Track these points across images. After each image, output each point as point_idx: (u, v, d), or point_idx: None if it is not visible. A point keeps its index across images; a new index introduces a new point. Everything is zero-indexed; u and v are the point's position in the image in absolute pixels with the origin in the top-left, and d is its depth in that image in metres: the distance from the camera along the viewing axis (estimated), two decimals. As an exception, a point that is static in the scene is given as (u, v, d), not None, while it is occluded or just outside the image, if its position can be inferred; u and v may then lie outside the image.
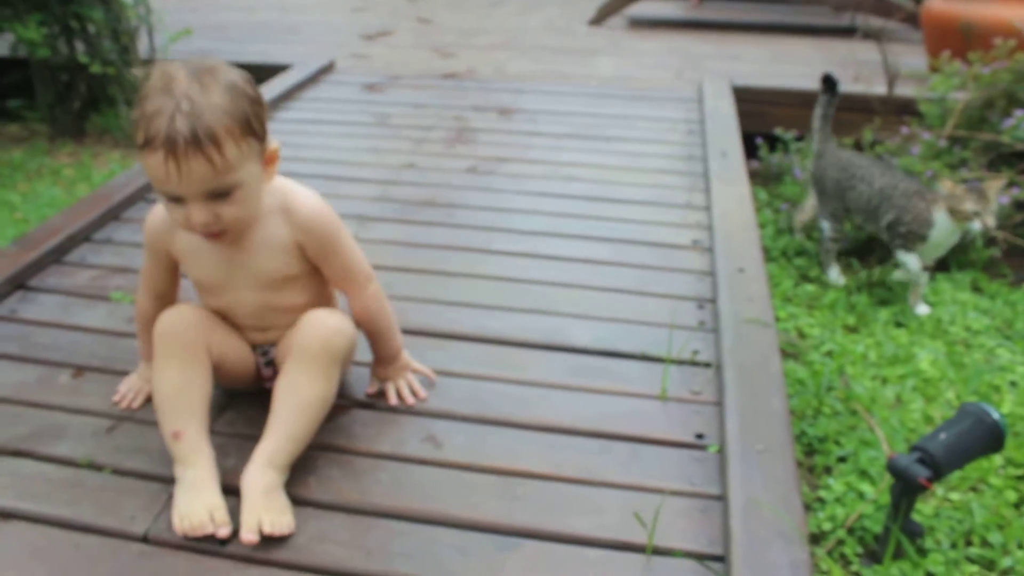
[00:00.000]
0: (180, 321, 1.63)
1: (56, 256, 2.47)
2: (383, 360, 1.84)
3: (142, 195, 2.91)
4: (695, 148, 3.49)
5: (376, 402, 1.85)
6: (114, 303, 2.25)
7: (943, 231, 2.81)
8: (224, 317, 1.73)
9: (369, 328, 1.79)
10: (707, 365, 2.04)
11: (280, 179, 1.64)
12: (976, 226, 2.73)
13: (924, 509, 1.95)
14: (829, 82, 3.27)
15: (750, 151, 3.78)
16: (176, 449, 1.56)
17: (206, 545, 1.47)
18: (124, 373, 1.92)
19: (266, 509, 1.47)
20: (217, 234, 1.52)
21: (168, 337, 1.61)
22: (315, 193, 1.68)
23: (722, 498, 1.62)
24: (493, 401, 1.87)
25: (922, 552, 1.82)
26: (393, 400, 1.82)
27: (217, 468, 1.57)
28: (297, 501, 1.57)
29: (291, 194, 1.64)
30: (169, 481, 1.59)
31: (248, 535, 1.43)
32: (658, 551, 1.50)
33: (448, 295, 2.28)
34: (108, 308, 2.23)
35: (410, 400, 1.82)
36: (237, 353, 1.73)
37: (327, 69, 4.61)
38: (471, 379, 1.93)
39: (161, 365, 1.60)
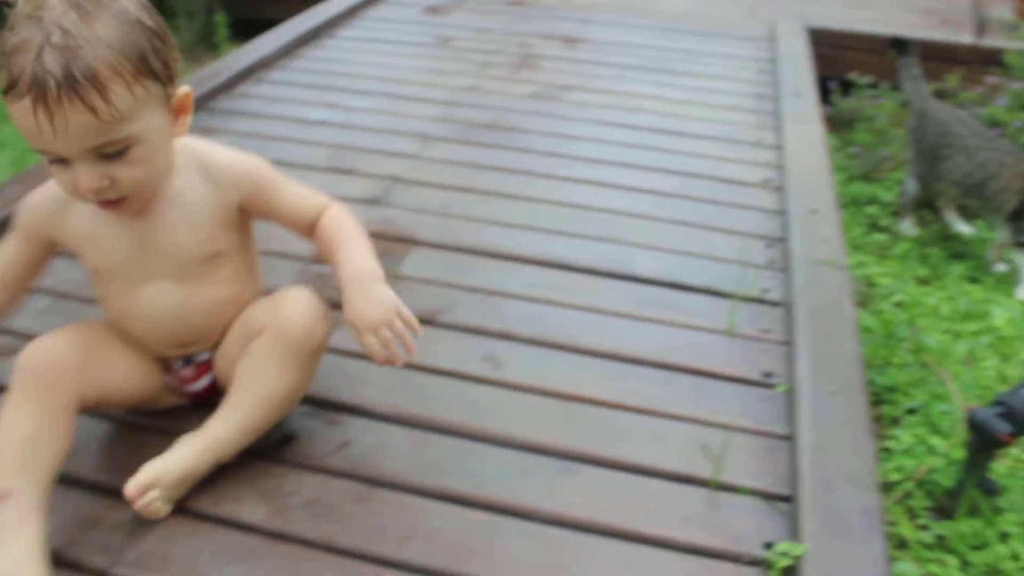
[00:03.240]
0: (48, 356, 1.27)
1: None
2: (356, 278, 1.30)
3: (202, 104, 2.85)
4: (766, 87, 3.36)
5: (435, 318, 1.80)
6: None
7: None
8: (134, 330, 1.40)
9: (335, 235, 1.37)
10: (776, 304, 1.96)
11: (189, 138, 1.32)
12: None
13: (997, 468, 1.87)
14: (900, 44, 3.07)
15: (822, 95, 3.64)
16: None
17: (261, 447, 1.43)
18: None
19: (169, 484, 1.29)
20: (115, 202, 1.21)
21: (28, 372, 1.25)
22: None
23: (789, 438, 1.56)
24: (555, 325, 1.81)
25: (996, 511, 1.75)
26: (380, 357, 1.30)
27: (41, 549, 1.18)
28: (355, 411, 1.54)
29: (206, 151, 1.34)
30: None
31: (131, 488, 1.25)
32: (722, 486, 1.44)
33: (511, 217, 2.22)
34: None
35: (401, 358, 1.31)
36: (130, 375, 1.40)
37: (390, -10, 4.50)
38: (533, 302, 1.87)
39: (12, 404, 1.24)
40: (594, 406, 1.59)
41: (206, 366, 1.46)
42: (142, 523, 1.31)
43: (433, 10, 4.21)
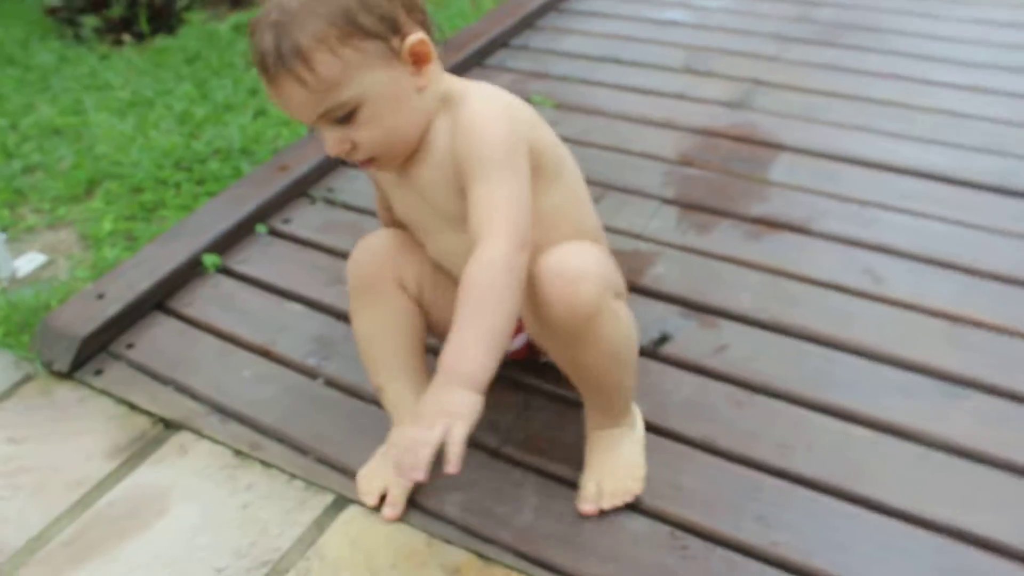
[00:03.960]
0: (364, 254, 1.32)
1: (478, 59, 2.55)
2: (444, 370, 1.04)
3: (554, 4, 2.91)
4: None
5: (807, 226, 1.75)
6: (535, 105, 2.27)
7: None
8: (445, 271, 1.33)
9: (464, 296, 1.07)
10: None
11: (461, 82, 1.18)
12: None
13: None
14: None
15: None
16: (383, 404, 1.34)
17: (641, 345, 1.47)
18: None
19: (607, 473, 1.27)
20: (369, 162, 1.15)
21: (352, 275, 1.32)
22: (502, 98, 1.17)
23: None
24: (936, 240, 1.69)
25: None
26: (395, 465, 1.02)
27: None
28: (728, 315, 1.54)
29: (463, 100, 1.15)
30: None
31: (584, 505, 1.25)
32: None
33: (882, 124, 2.09)
34: (530, 111, 2.27)
35: (410, 476, 0.99)
36: (448, 292, 1.29)
37: None
38: (910, 214, 1.76)
39: (352, 310, 1.33)
40: (981, 329, 1.49)
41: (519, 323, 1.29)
42: (528, 406, 1.40)
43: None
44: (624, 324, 1.21)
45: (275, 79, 1.06)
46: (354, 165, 1.17)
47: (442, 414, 1.00)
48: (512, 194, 1.11)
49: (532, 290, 1.13)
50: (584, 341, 1.16)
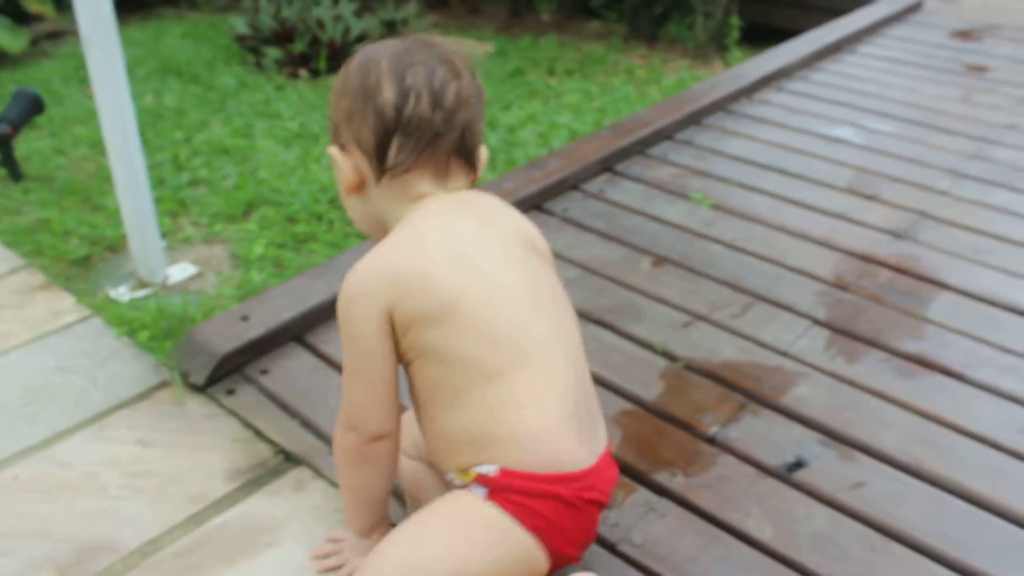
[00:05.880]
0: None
1: (642, 147, 2.55)
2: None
3: (723, 105, 2.90)
4: None
5: (964, 373, 1.66)
6: (693, 203, 2.27)
7: None
8: None
9: None
10: None
11: (409, 216, 1.11)
12: None
13: None
14: None
15: None
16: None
17: (773, 466, 1.42)
18: (700, 273, 1.94)
19: None
20: None
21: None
22: (379, 260, 1.08)
23: None
24: (1103, 412, 1.59)
25: None
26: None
27: None
28: (869, 451, 1.47)
29: (375, 246, 1.12)
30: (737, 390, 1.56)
31: None
32: None
33: (1056, 279, 1.99)
34: (687, 206, 2.25)
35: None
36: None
37: (914, 8, 4.28)
38: (1078, 379, 1.67)
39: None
40: None
41: None
42: (653, 509, 1.36)
43: (962, 34, 3.92)
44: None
45: None
46: None
47: (358, 552, 1.25)
48: (349, 373, 1.11)
49: None
50: None
